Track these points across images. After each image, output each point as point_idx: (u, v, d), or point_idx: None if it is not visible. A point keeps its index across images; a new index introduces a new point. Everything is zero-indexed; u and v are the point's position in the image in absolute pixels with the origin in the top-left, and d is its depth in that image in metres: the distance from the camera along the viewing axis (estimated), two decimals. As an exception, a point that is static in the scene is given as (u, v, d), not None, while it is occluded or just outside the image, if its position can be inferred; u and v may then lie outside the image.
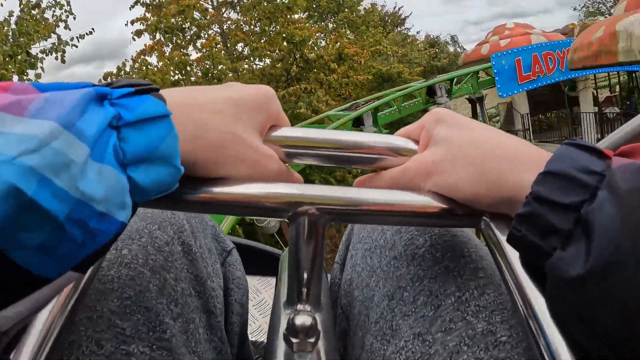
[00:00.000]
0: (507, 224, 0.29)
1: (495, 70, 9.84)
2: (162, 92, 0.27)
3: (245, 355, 0.53)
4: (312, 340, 0.32)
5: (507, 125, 12.75)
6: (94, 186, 0.22)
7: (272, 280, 1.09)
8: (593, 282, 0.22)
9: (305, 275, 0.33)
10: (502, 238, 0.29)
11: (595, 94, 12.68)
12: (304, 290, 0.33)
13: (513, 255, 0.28)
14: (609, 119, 11.37)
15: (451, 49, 25.90)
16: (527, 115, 12.05)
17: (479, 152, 0.31)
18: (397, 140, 0.36)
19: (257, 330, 0.96)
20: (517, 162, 0.30)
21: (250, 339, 0.76)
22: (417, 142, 0.37)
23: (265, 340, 0.54)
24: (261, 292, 1.06)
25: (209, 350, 0.40)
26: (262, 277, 1.09)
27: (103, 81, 0.31)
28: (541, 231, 0.25)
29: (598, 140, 10.65)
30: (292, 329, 0.31)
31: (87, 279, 0.30)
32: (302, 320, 0.31)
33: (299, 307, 0.33)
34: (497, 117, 13.82)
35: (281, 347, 0.33)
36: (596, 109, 11.60)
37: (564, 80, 11.09)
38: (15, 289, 0.21)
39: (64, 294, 0.28)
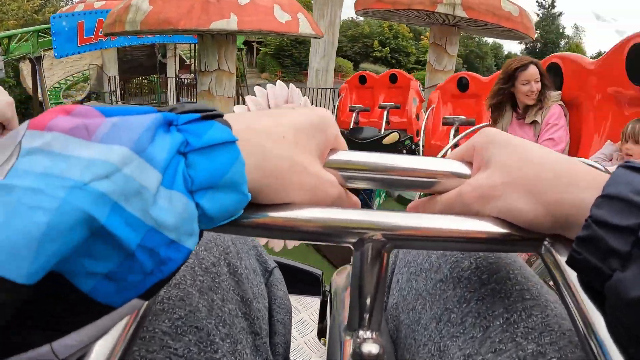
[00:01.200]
0: (566, 247, 0.29)
1: (54, 31, 10.25)
2: (226, 117, 0.27)
3: None
4: None
5: (97, 88, 13.96)
6: (165, 213, 0.21)
7: (312, 299, 1.09)
8: None
9: (368, 301, 0.33)
10: (562, 260, 0.29)
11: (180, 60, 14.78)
12: (366, 315, 0.33)
13: (574, 277, 0.28)
14: (185, 84, 13.44)
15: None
16: (115, 77, 13.37)
17: (536, 173, 0.31)
18: (451, 164, 0.36)
19: (296, 349, 0.95)
20: (574, 182, 0.29)
21: (291, 358, 0.77)
22: (470, 163, 0.36)
23: None
24: (300, 311, 1.06)
25: None
26: (300, 296, 1.09)
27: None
28: (601, 253, 0.25)
29: (178, 100, 12.41)
30: (359, 356, 0.32)
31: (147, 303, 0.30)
32: (370, 348, 0.32)
33: (364, 333, 0.33)
34: (88, 80, 14.22)
35: None
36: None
37: (159, 47, 13.26)
38: (78, 316, 0.20)
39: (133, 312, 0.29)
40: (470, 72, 4.34)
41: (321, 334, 0.83)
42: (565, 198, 0.29)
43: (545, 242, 0.31)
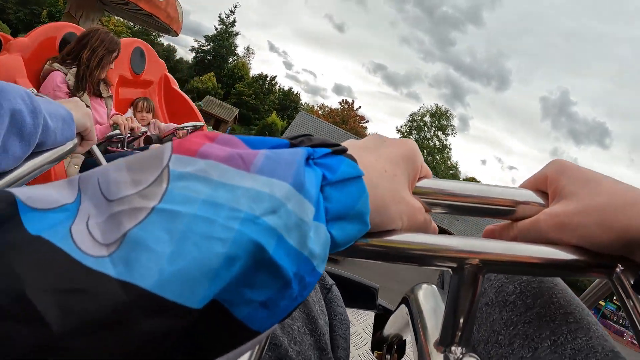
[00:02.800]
0: (637, 273, 0.32)
1: None
2: (350, 150, 0.29)
3: None
4: None
5: None
6: (315, 243, 0.23)
7: (366, 313, 1.12)
8: None
9: (461, 320, 0.35)
10: (630, 285, 0.31)
11: None
12: (458, 333, 0.35)
13: None
14: None
15: None
16: None
17: (608, 202, 0.33)
18: (528, 193, 0.38)
19: None
20: None
21: None
22: (543, 192, 0.38)
23: None
24: (354, 324, 1.08)
25: None
26: (354, 310, 1.11)
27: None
28: None
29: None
30: None
31: None
32: None
33: (457, 349, 0.35)
34: None
35: None
36: None
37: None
38: (227, 343, 0.21)
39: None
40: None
41: (374, 347, 0.85)
42: (633, 224, 0.31)
43: (617, 269, 0.33)
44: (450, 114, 60.06)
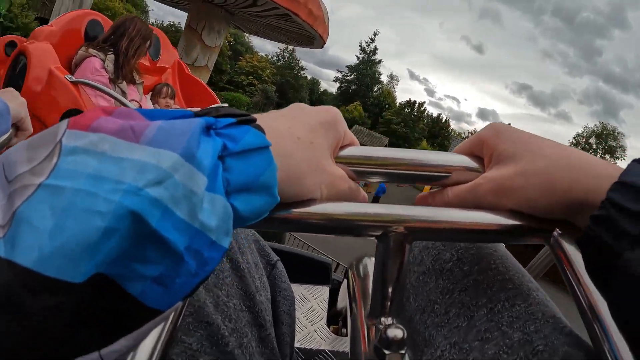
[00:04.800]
0: (573, 236, 0.31)
1: None
2: (258, 120, 0.28)
3: None
4: (402, 351, 0.33)
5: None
6: (209, 216, 0.22)
7: (320, 288, 1.09)
8: None
9: (390, 290, 0.34)
10: (569, 249, 0.31)
11: None
12: (388, 303, 0.34)
13: (580, 265, 0.30)
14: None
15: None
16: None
17: (549, 165, 0.32)
18: (463, 159, 0.37)
19: (306, 337, 0.92)
20: (587, 171, 0.31)
21: (300, 346, 0.82)
22: (479, 157, 0.37)
23: (314, 348, 0.68)
24: (309, 300, 1.05)
25: None
26: (309, 285, 1.08)
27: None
28: (614, 233, 0.26)
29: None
30: (385, 342, 0.33)
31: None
32: (395, 333, 0.32)
33: (386, 319, 0.35)
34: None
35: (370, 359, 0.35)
36: None
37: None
38: (128, 322, 0.21)
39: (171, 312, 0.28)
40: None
41: (330, 321, 0.86)
42: (580, 184, 0.30)
43: (555, 233, 0.33)
44: (619, 133, 52.63)
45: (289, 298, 0.54)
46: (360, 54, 55.94)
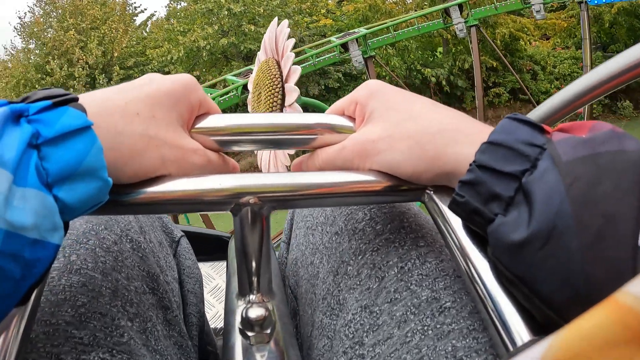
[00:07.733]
0: (449, 195, 0.29)
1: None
2: (81, 98, 0.26)
3: (205, 344, 0.52)
4: (268, 331, 0.31)
5: None
6: (21, 213, 0.20)
7: (225, 264, 1.06)
8: (534, 247, 0.23)
9: (254, 265, 0.32)
10: (445, 208, 0.29)
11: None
12: (254, 279, 0.33)
13: (456, 223, 0.28)
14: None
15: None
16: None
17: (418, 128, 0.31)
18: (332, 118, 0.35)
19: (215, 317, 0.90)
20: (458, 136, 0.29)
21: (211, 326, 0.77)
22: (352, 118, 0.36)
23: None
24: (215, 277, 1.02)
25: (170, 347, 0.39)
26: (213, 263, 1.05)
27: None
28: (484, 197, 0.25)
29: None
30: (247, 323, 0.31)
31: (35, 295, 0.27)
32: (256, 312, 0.31)
33: (251, 297, 0.33)
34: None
35: (238, 341, 0.33)
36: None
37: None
38: None
39: (14, 316, 0.25)
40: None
41: None
42: (448, 152, 0.29)
43: (428, 191, 0.31)
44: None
45: (194, 276, 0.51)
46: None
